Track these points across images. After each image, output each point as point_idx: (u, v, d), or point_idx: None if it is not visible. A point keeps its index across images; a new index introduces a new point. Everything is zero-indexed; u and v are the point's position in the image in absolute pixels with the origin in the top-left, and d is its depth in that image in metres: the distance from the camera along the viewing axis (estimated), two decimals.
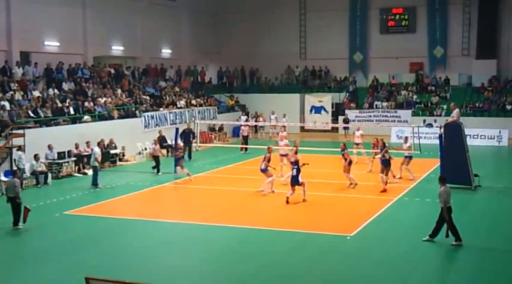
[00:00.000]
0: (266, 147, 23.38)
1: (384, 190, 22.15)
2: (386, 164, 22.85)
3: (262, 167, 22.15)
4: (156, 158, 27.40)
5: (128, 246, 15.92)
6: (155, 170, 27.16)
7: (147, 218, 18.86)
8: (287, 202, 20.19)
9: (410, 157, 24.79)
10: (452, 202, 15.63)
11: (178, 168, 25.54)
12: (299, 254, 15.12)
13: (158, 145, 28.36)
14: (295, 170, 20.63)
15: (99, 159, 24.52)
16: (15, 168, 23.51)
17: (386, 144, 23.73)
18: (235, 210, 20.15)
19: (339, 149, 23.80)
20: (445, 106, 41.06)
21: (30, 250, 16.03)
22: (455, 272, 14.19)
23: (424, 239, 15.71)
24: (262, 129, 41.06)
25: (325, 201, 21.21)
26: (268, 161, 22.30)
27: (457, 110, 23.46)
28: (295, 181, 20.62)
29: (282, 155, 25.96)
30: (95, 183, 23.97)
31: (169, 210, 20.67)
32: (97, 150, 24.63)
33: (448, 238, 15.36)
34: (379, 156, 23.29)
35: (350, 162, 23.41)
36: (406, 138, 26.14)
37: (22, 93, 28.81)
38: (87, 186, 24.00)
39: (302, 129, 42.56)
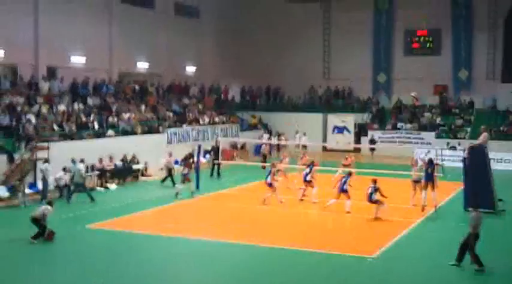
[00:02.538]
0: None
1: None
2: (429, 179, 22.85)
3: (269, 181, 23.52)
4: (169, 170, 27.65)
5: (147, 261, 15.90)
6: (176, 185, 27.29)
7: (166, 234, 18.87)
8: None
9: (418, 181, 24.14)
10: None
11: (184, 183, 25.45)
12: (318, 275, 14.96)
13: (172, 158, 28.51)
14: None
15: (83, 175, 24.49)
16: (39, 180, 23.82)
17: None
18: (254, 228, 20.07)
19: (363, 170, 23.68)
20: (469, 129, 40.71)
21: (51, 262, 16.11)
22: None
23: (450, 263, 15.48)
24: (285, 148, 40.99)
25: (346, 220, 21.07)
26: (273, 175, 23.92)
27: (485, 134, 23.22)
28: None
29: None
30: (91, 197, 23.83)
31: (188, 226, 20.62)
32: (81, 166, 24.48)
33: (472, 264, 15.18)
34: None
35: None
36: (416, 161, 25.65)
37: (48, 107, 29.15)
38: (109, 200, 24.11)
39: (324, 148, 42.44)
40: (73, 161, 25.33)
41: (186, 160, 27.46)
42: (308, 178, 24.04)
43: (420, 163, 24.90)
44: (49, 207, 18.22)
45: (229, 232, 19.19)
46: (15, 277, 14.66)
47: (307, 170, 24.22)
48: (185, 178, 25.37)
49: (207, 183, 28.02)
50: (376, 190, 20.97)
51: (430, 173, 22.41)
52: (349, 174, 23.02)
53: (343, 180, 22.25)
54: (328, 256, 16.55)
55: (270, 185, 23.54)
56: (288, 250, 17.08)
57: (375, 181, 21.31)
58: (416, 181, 23.81)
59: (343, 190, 22.01)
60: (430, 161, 22.87)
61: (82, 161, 24.87)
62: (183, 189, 25.21)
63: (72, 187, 24.27)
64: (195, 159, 28.87)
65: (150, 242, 18.06)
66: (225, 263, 15.92)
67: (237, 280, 14.58)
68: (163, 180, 28.06)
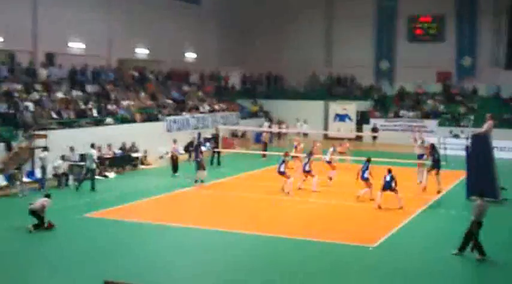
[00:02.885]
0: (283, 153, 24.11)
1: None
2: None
3: (281, 169, 23.02)
4: (175, 158, 27.48)
5: (146, 250, 15.75)
6: (175, 174, 27.19)
7: (166, 222, 18.72)
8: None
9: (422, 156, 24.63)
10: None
11: (200, 171, 25.26)
12: (319, 264, 14.83)
13: (176, 145, 28.37)
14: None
15: (96, 160, 24.46)
16: (38, 169, 23.65)
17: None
18: (255, 217, 19.89)
19: (363, 158, 23.36)
20: (472, 117, 40.38)
21: (49, 252, 15.93)
22: None
23: (453, 253, 15.29)
24: (285, 136, 40.71)
25: (347, 210, 20.86)
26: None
27: (490, 122, 22.90)
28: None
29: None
30: (93, 187, 23.71)
31: (189, 215, 20.45)
32: (94, 151, 24.46)
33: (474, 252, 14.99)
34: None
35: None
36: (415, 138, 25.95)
37: (46, 94, 28.87)
38: (108, 189, 23.91)
39: (325, 136, 42.14)
40: (71, 149, 25.22)
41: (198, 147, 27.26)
42: (307, 168, 23.77)
43: (419, 141, 24.99)
44: (48, 199, 18.04)
45: (229, 221, 18.99)
46: (13, 266, 14.50)
47: (306, 160, 24.00)
48: (201, 165, 25.21)
49: (207, 172, 27.74)
50: (392, 178, 20.63)
51: (437, 158, 22.43)
52: (368, 160, 22.27)
53: (363, 168, 21.90)
54: (330, 245, 16.38)
55: (283, 173, 23.16)
56: (290, 240, 16.89)
57: (389, 170, 21.01)
58: (420, 156, 23.90)
59: (363, 178, 21.80)
60: (433, 146, 22.73)
61: (93, 146, 24.75)
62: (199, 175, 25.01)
63: (83, 173, 24.34)
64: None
65: (149, 231, 17.90)
66: (225, 252, 15.73)
67: (237, 269, 14.39)
68: (175, 170, 27.58)
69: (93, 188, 23.63)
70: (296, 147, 28.44)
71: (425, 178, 23.06)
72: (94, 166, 24.17)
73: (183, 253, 15.75)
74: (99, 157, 27.22)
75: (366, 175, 21.95)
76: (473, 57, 44.54)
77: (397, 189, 20.74)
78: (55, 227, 17.57)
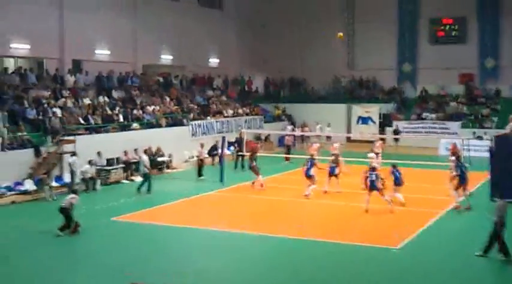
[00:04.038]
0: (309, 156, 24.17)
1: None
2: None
3: (310, 173, 23.05)
4: (201, 161, 27.87)
5: (173, 253, 16.06)
6: (200, 177, 27.61)
7: (192, 225, 19.01)
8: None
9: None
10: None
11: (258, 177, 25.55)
12: (342, 266, 15.00)
13: (203, 149, 28.82)
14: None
15: (148, 165, 24.89)
16: (67, 173, 24.14)
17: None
18: (279, 219, 20.11)
19: (387, 160, 23.51)
20: (495, 119, 40.21)
21: (78, 254, 16.34)
22: None
23: (477, 254, 15.38)
24: (308, 139, 40.88)
25: (370, 212, 20.96)
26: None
27: None
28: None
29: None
30: (149, 189, 24.37)
31: (213, 218, 20.67)
32: (145, 157, 25.03)
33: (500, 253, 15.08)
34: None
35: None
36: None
37: (73, 100, 29.44)
38: (134, 193, 24.31)
39: (348, 139, 42.20)
40: (98, 154, 25.80)
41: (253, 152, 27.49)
42: (311, 173, 23.26)
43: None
44: (75, 196, 18.47)
45: (254, 224, 19.24)
46: (41, 269, 14.89)
47: (308, 165, 23.48)
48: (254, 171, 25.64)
49: (231, 175, 28.08)
50: (377, 177, 20.55)
51: (464, 172, 21.22)
52: (372, 169, 21.11)
53: (370, 177, 20.76)
54: (354, 247, 16.54)
55: (311, 177, 23.17)
56: (314, 242, 17.07)
57: (374, 169, 20.90)
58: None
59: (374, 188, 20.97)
60: (458, 157, 22.07)
61: (145, 152, 25.61)
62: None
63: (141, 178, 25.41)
64: (219, 151, 29.02)
65: (175, 234, 18.21)
66: (250, 255, 15.97)
67: (262, 271, 14.63)
68: (200, 174, 28.07)
69: (149, 190, 24.28)
70: (310, 147, 28.80)
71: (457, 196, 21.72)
72: (146, 170, 24.69)
73: (210, 256, 15.98)
74: (125, 162, 27.76)
75: (311, 172, 22.67)
76: (496, 58, 44.25)
77: (384, 189, 20.77)
78: (81, 228, 17.91)
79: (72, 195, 18.53)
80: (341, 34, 36.18)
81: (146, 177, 24.65)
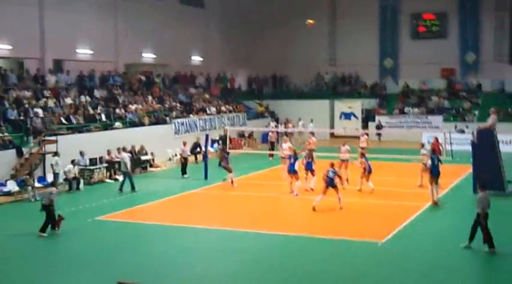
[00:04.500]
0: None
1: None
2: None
3: (295, 168, 22.82)
4: (185, 159, 27.85)
5: (158, 252, 15.99)
6: (184, 175, 27.58)
7: (177, 224, 18.99)
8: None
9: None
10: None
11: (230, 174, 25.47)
12: (329, 260, 15.03)
13: (186, 147, 28.80)
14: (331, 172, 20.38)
15: (129, 163, 24.89)
16: (50, 173, 23.95)
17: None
18: (264, 216, 20.12)
19: (371, 155, 23.65)
20: (476, 112, 40.60)
21: (63, 254, 16.22)
22: (488, 281, 14.00)
23: (462, 245, 15.52)
24: (292, 136, 40.98)
25: (353, 207, 21.05)
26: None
27: (494, 116, 23.15)
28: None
29: (283, 158, 26.39)
30: (133, 188, 24.32)
31: (199, 216, 20.67)
32: (125, 155, 24.97)
33: (485, 244, 15.22)
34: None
35: (369, 170, 23.26)
36: (422, 144, 25.41)
37: (55, 100, 29.25)
38: (118, 192, 24.22)
39: (332, 135, 42.40)
40: (81, 153, 25.68)
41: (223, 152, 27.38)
42: (295, 168, 22.94)
43: (428, 147, 24.84)
44: (53, 188, 18.40)
45: (239, 221, 19.26)
46: (25, 269, 14.78)
47: (292, 160, 23.14)
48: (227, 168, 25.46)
49: (216, 173, 28.07)
50: (335, 173, 20.36)
51: (437, 165, 20.94)
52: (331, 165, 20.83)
53: (328, 174, 20.36)
54: (339, 241, 16.60)
55: (296, 173, 22.86)
56: (299, 237, 17.14)
57: (332, 165, 20.77)
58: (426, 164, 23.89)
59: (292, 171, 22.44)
60: (434, 151, 21.86)
61: (124, 149, 25.54)
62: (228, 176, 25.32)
63: (121, 177, 25.26)
64: (203, 148, 29.01)
65: (160, 232, 18.15)
66: (235, 251, 15.95)
67: (249, 268, 14.63)
68: (183, 172, 28.02)
69: (133, 189, 24.23)
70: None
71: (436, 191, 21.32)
72: (127, 169, 24.62)
73: (193, 253, 15.97)
74: (108, 161, 27.61)
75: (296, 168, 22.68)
76: (476, 53, 44.72)
77: (339, 186, 20.80)
78: (63, 222, 17.88)
79: (50, 190, 18.35)
80: (311, 21, 36.50)
81: (126, 176, 24.54)
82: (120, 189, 24.31)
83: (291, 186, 23.20)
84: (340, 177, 21.00)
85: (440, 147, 25.75)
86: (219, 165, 30.55)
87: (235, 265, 14.88)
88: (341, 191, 20.91)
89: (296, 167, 22.91)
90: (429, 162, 21.27)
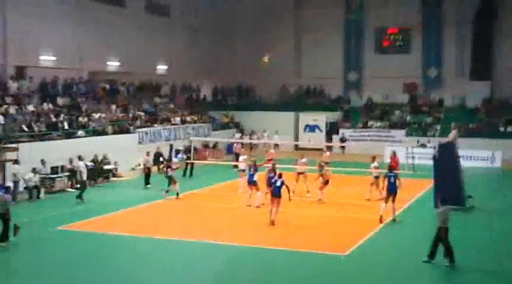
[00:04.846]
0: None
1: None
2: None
3: (254, 179, 22.83)
4: (148, 169, 27.63)
5: (120, 263, 15.82)
6: (148, 185, 27.35)
7: (140, 234, 18.78)
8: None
9: (377, 177, 24.45)
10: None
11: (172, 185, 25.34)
12: (290, 273, 15.03)
13: (149, 157, 28.57)
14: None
15: (85, 172, 24.65)
16: (9, 182, 23.48)
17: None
18: (228, 228, 20.04)
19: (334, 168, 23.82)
20: (438, 127, 41.26)
21: (22, 265, 15.88)
22: None
23: (424, 260, 15.65)
24: (256, 147, 41.07)
25: (317, 219, 21.15)
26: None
27: (454, 131, 23.59)
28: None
29: (242, 170, 26.41)
30: (80, 197, 23.96)
31: (162, 227, 20.50)
32: (81, 164, 24.63)
33: (446, 258, 15.40)
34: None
35: (327, 181, 23.77)
36: (374, 157, 25.61)
37: (16, 107, 28.76)
38: (80, 202, 23.88)
39: (296, 147, 42.58)
40: (42, 162, 25.22)
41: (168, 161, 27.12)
42: (254, 178, 22.91)
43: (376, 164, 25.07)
44: (8, 196, 18.04)
45: (203, 232, 19.12)
46: None
47: (252, 171, 23.12)
48: (172, 181, 25.03)
49: (180, 183, 27.90)
50: (282, 184, 20.05)
51: (393, 182, 20.61)
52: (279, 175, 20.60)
53: (275, 184, 20.21)
54: (302, 254, 16.61)
55: (256, 184, 22.78)
56: (262, 249, 17.12)
57: (280, 175, 20.50)
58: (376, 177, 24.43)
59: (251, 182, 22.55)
60: (390, 168, 21.45)
61: (80, 158, 24.94)
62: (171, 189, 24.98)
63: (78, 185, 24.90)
64: (167, 158, 28.84)
65: (123, 243, 17.97)
66: (199, 263, 15.89)
67: (211, 280, 14.56)
68: (147, 182, 27.75)
69: (81, 199, 23.80)
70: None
71: (383, 208, 20.69)
72: (84, 177, 24.32)
73: (156, 265, 15.82)
74: (70, 170, 27.23)
75: (255, 178, 22.77)
76: (439, 68, 45.55)
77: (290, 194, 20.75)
78: (19, 231, 17.50)
79: (5, 197, 17.89)
80: (266, 59, 36.88)
81: (82, 185, 24.27)
82: (79, 197, 23.88)
83: (249, 199, 23.04)
84: (288, 188, 20.52)
85: (398, 162, 26.11)
86: (183, 175, 30.47)
87: (196, 275, 14.79)
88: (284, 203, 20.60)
89: (255, 178, 22.82)
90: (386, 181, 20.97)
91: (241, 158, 27.76)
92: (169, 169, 25.70)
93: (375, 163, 24.92)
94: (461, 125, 39.29)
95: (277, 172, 21.04)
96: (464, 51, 44.72)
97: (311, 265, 15.73)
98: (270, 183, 21.00)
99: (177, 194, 24.81)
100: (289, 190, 20.65)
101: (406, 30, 46.54)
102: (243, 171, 26.19)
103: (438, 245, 15.54)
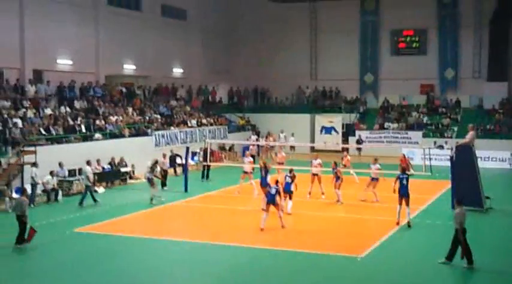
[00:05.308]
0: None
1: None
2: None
3: (268, 181, 22.82)
4: (164, 172, 27.72)
5: (137, 264, 15.89)
6: (164, 188, 27.46)
7: (156, 236, 18.87)
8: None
9: (376, 179, 24.48)
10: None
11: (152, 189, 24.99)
12: (308, 275, 15.01)
13: (166, 159, 28.66)
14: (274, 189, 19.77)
15: (91, 177, 24.61)
16: (28, 184, 23.67)
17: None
18: (243, 230, 20.06)
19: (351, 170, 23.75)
20: (456, 128, 41.01)
21: (39, 267, 16.00)
22: None
23: (440, 261, 15.58)
24: (272, 149, 41.03)
25: (332, 221, 21.14)
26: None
27: (472, 132, 23.42)
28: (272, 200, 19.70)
29: (245, 172, 26.66)
30: (94, 200, 24.02)
31: (178, 229, 20.63)
32: (88, 168, 24.68)
33: (463, 260, 15.30)
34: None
35: (340, 179, 24.02)
36: (376, 159, 25.53)
37: (34, 111, 29.00)
38: (97, 204, 24.02)
39: (312, 149, 42.49)
40: (60, 165, 25.37)
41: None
42: (268, 181, 22.91)
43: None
44: (24, 198, 18.15)
45: (218, 234, 19.17)
46: (1, 282, 14.56)
47: (263, 174, 23.31)
48: (152, 183, 24.91)
49: (196, 185, 28.01)
50: (277, 191, 19.71)
51: (406, 185, 20.16)
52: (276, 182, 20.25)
53: (271, 191, 19.82)
54: (318, 256, 16.58)
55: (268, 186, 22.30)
56: (279, 251, 17.12)
57: (276, 182, 20.26)
58: (373, 179, 24.52)
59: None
60: (403, 169, 21.20)
61: (88, 163, 24.97)
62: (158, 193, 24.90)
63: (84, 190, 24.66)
64: (183, 161, 28.87)
65: (139, 245, 18.03)
66: (214, 265, 15.91)
67: (227, 282, 14.57)
68: (163, 184, 27.82)
69: (81, 203, 23.75)
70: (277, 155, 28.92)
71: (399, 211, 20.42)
72: (89, 183, 24.35)
73: (172, 266, 15.92)
74: None
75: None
76: (455, 69, 45.25)
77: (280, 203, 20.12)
78: (36, 234, 17.57)
79: (19, 197, 18.09)
80: None
81: (87, 189, 24.27)
82: (81, 203, 23.78)
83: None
84: (280, 195, 20.06)
85: (409, 163, 26.01)
86: (202, 177, 30.44)
87: (212, 277, 14.85)
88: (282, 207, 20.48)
89: (268, 180, 22.88)
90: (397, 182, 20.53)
91: (246, 160, 27.81)
92: (156, 172, 25.70)
93: (377, 165, 24.84)
94: (478, 126, 39.15)
95: (275, 178, 21.27)
96: (481, 52, 44.39)
97: (327, 267, 15.70)
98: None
99: (151, 199, 24.41)
100: (280, 197, 20.21)
101: (422, 31, 46.25)
102: (245, 173, 26.52)
103: (457, 247, 15.43)
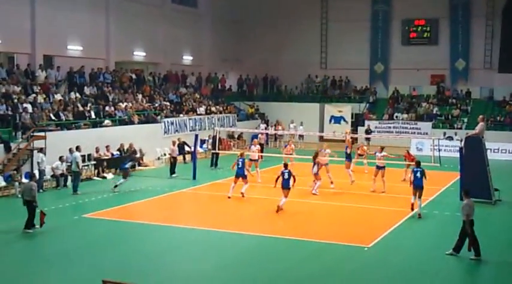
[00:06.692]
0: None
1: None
2: None
3: (315, 171, 23.47)
4: (173, 159, 27.76)
5: (144, 250, 15.98)
6: (173, 175, 27.54)
7: (164, 223, 18.98)
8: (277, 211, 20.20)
9: (383, 168, 24.47)
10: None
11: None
12: (315, 264, 15.07)
13: (175, 146, 28.72)
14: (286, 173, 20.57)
15: (80, 163, 24.42)
16: (35, 170, 23.78)
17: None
18: (251, 218, 20.16)
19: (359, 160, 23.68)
20: (465, 119, 40.83)
21: (48, 252, 16.16)
22: None
23: (447, 253, 15.57)
24: (281, 138, 41.06)
25: (341, 211, 21.16)
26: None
27: (481, 124, 23.28)
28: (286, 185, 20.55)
29: (251, 160, 26.81)
30: (75, 190, 23.66)
31: (186, 216, 20.72)
32: (77, 154, 24.52)
33: (470, 252, 15.27)
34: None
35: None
36: (382, 147, 25.48)
37: (44, 96, 29.10)
38: (106, 190, 24.15)
39: (321, 138, 42.40)
40: (70, 150, 25.38)
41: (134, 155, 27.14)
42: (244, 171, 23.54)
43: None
44: (33, 183, 18.22)
45: (226, 222, 19.25)
46: (11, 266, 14.71)
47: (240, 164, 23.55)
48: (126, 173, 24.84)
49: (205, 173, 28.07)
50: (290, 175, 20.54)
51: (420, 177, 20.22)
52: (285, 166, 21.33)
53: (283, 176, 20.66)
54: (326, 245, 16.64)
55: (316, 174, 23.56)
56: (286, 240, 17.15)
57: (286, 166, 21.18)
58: (380, 168, 24.46)
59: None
60: (418, 163, 20.92)
61: (78, 149, 24.84)
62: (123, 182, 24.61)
63: (71, 177, 24.37)
64: (192, 148, 28.95)
65: (146, 231, 18.14)
66: (222, 252, 15.99)
67: (233, 269, 14.64)
68: (172, 172, 27.92)
69: (75, 191, 23.58)
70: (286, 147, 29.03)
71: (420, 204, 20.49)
72: (77, 169, 23.99)
73: (180, 253, 16.03)
74: (96, 159, 27.53)
75: (315, 170, 23.40)
76: (466, 60, 44.95)
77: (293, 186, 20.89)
78: (48, 217, 17.69)
79: (28, 182, 18.21)
80: None
81: (76, 175, 23.96)
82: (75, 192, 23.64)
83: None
84: (294, 179, 20.83)
85: (413, 158, 25.94)
86: (211, 165, 30.51)
87: (220, 264, 14.89)
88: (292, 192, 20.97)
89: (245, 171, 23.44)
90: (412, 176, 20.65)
91: (253, 148, 27.99)
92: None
93: (383, 153, 24.80)
94: (488, 118, 38.95)
95: (284, 163, 21.98)
96: (492, 43, 44.05)
97: (334, 256, 15.73)
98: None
99: (115, 186, 24.19)
100: (294, 181, 20.86)
101: (433, 21, 45.93)
102: (251, 160, 26.72)
103: (465, 240, 15.40)
